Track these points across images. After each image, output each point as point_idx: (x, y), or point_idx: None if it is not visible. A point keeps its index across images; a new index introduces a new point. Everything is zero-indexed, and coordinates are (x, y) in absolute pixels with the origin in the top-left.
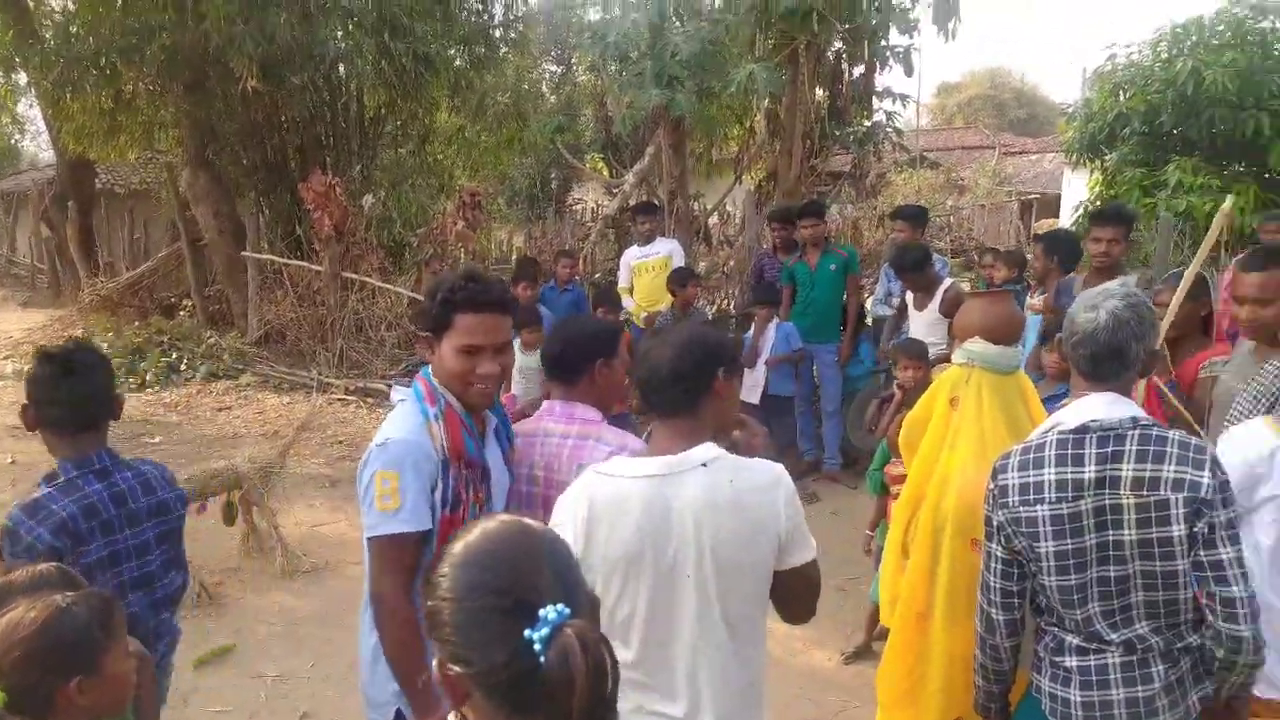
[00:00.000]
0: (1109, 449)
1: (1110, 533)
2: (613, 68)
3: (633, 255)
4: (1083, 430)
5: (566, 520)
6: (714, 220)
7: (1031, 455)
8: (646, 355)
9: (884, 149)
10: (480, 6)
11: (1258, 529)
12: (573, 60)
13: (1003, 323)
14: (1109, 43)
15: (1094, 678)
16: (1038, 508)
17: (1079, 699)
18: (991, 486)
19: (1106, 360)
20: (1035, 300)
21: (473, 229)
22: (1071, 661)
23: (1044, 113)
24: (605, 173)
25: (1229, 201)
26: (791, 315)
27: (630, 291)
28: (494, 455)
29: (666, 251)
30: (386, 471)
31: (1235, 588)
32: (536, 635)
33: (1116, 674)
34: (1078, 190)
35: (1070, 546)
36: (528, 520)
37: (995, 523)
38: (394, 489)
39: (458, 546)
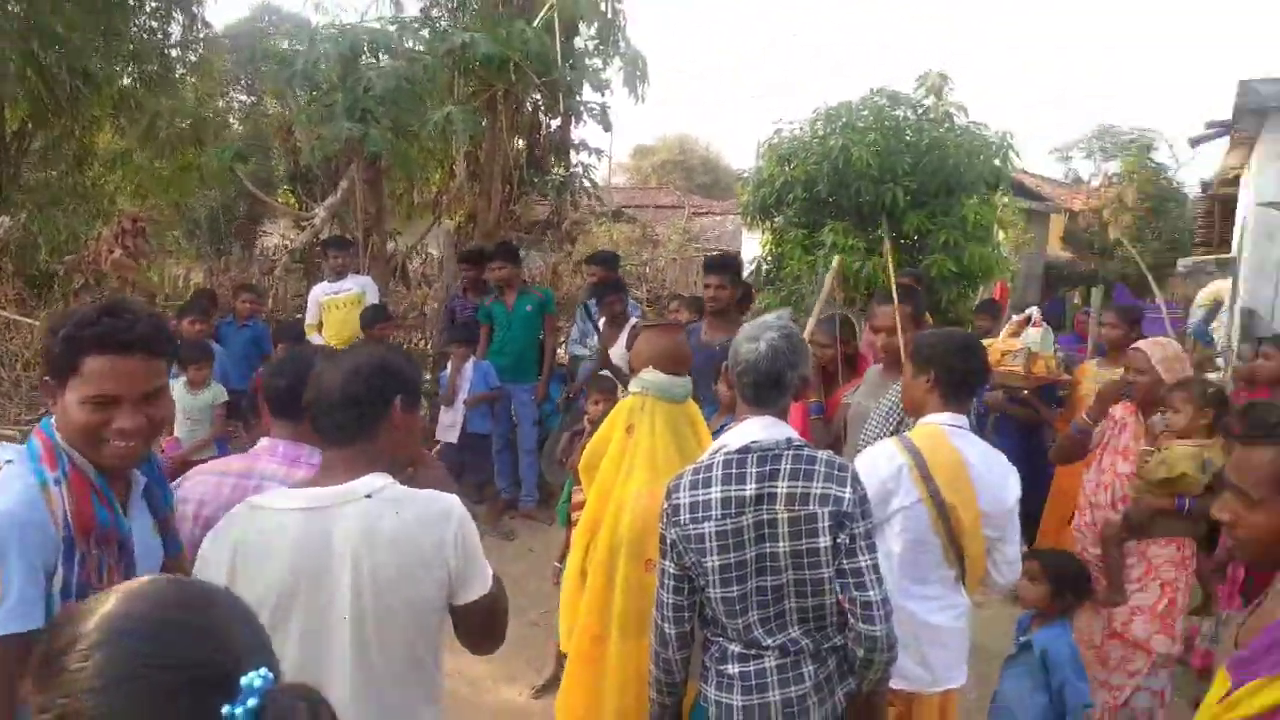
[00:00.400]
0: (767, 468)
1: (767, 545)
2: (301, 97)
3: (322, 291)
4: (745, 451)
5: (211, 558)
6: (415, 262)
7: (700, 475)
8: (319, 376)
9: (580, 199)
10: (154, 24)
11: (889, 538)
12: (262, 91)
13: (672, 353)
14: (776, 118)
15: (754, 682)
16: (705, 524)
17: (740, 703)
18: (665, 506)
19: (766, 387)
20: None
21: (134, 258)
22: (734, 668)
23: (725, 179)
24: (295, 207)
25: (836, 261)
26: (489, 354)
27: (319, 328)
28: (140, 524)
29: (359, 288)
30: None
31: (872, 592)
32: (239, 711)
33: (773, 676)
34: (752, 248)
35: (733, 559)
36: (179, 577)
37: (669, 540)
38: None
39: (92, 622)
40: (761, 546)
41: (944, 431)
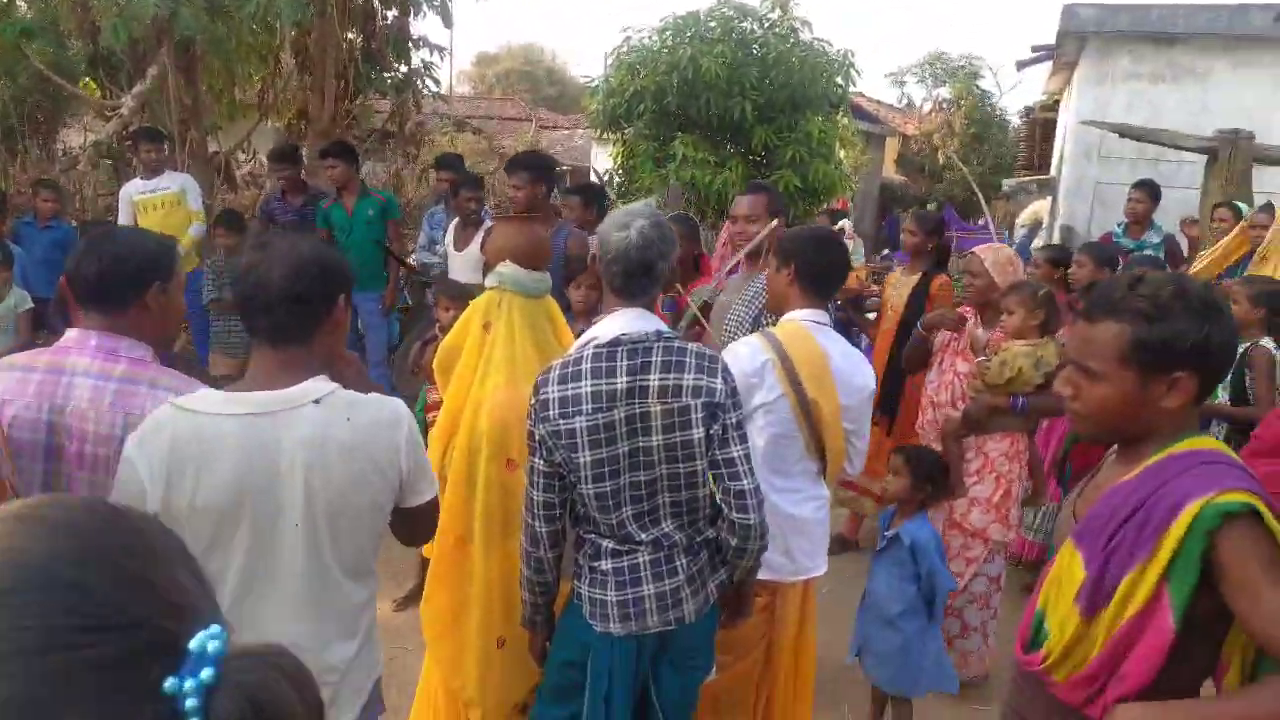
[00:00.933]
0: (638, 360)
1: (640, 439)
2: None
3: (135, 189)
4: (615, 344)
5: (141, 462)
6: (243, 163)
7: (570, 369)
8: (251, 270)
9: (423, 98)
10: None
11: (752, 433)
12: None
13: (531, 247)
14: (624, 26)
15: (627, 577)
16: (576, 419)
17: (615, 599)
18: (533, 402)
19: (637, 275)
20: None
21: None
22: (607, 565)
23: (573, 91)
24: (99, 96)
25: (775, 222)
26: None
27: None
28: None
29: (178, 186)
30: None
31: (745, 481)
32: (189, 684)
33: (646, 571)
34: (603, 162)
35: (605, 455)
36: (92, 498)
37: (538, 437)
38: None
39: None
40: (634, 441)
41: (806, 328)
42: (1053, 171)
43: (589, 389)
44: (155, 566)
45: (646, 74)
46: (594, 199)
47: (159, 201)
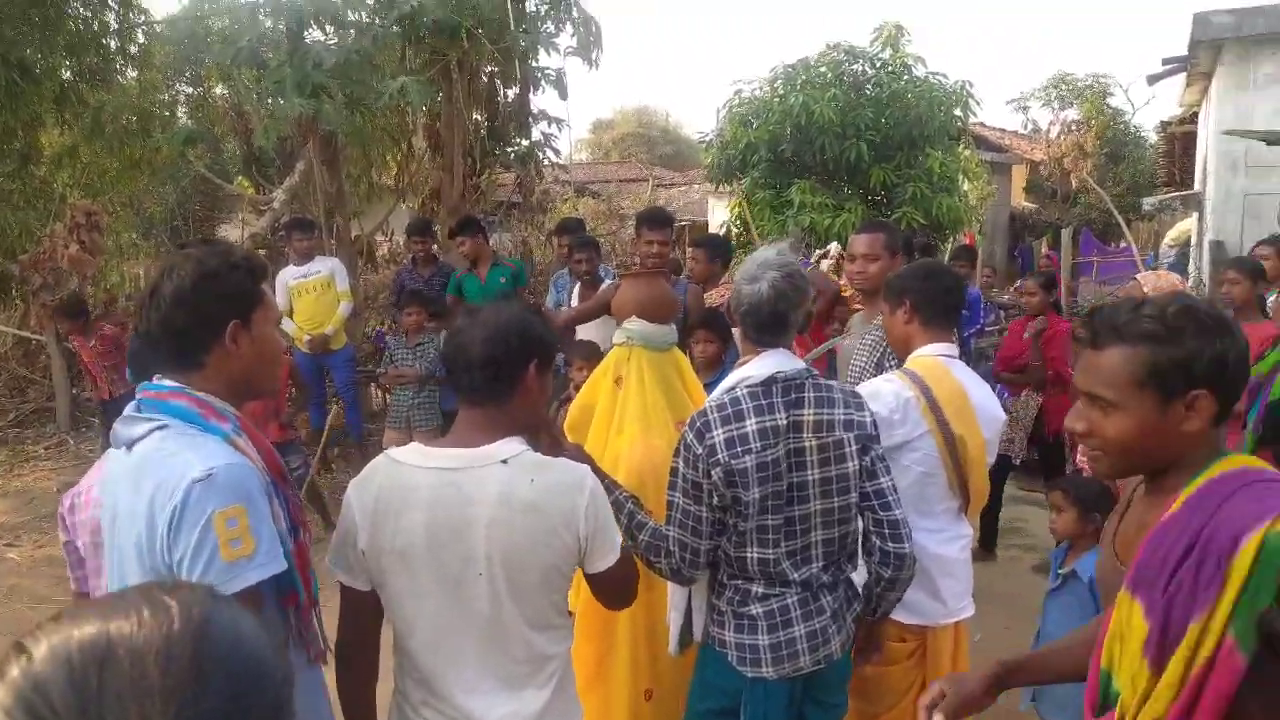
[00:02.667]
0: (793, 396)
1: (796, 475)
2: (247, 77)
3: (290, 275)
4: (770, 382)
5: (355, 504)
6: (381, 244)
7: (730, 410)
8: (458, 333)
9: (545, 168)
10: (88, 14)
11: (894, 473)
12: (208, 80)
13: (656, 301)
14: (734, 79)
15: (778, 619)
16: (746, 458)
17: (766, 642)
18: (698, 450)
19: (771, 328)
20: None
21: (91, 253)
22: (756, 609)
23: (687, 149)
24: (252, 192)
25: (834, 247)
26: None
27: (290, 314)
28: None
29: (327, 271)
30: (229, 509)
31: (896, 511)
32: None
33: (796, 611)
34: (720, 214)
35: (770, 490)
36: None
37: (706, 486)
38: (244, 529)
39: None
40: (791, 476)
41: (942, 362)
42: (1196, 186)
43: (754, 427)
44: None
45: (760, 125)
46: (719, 251)
47: (312, 285)
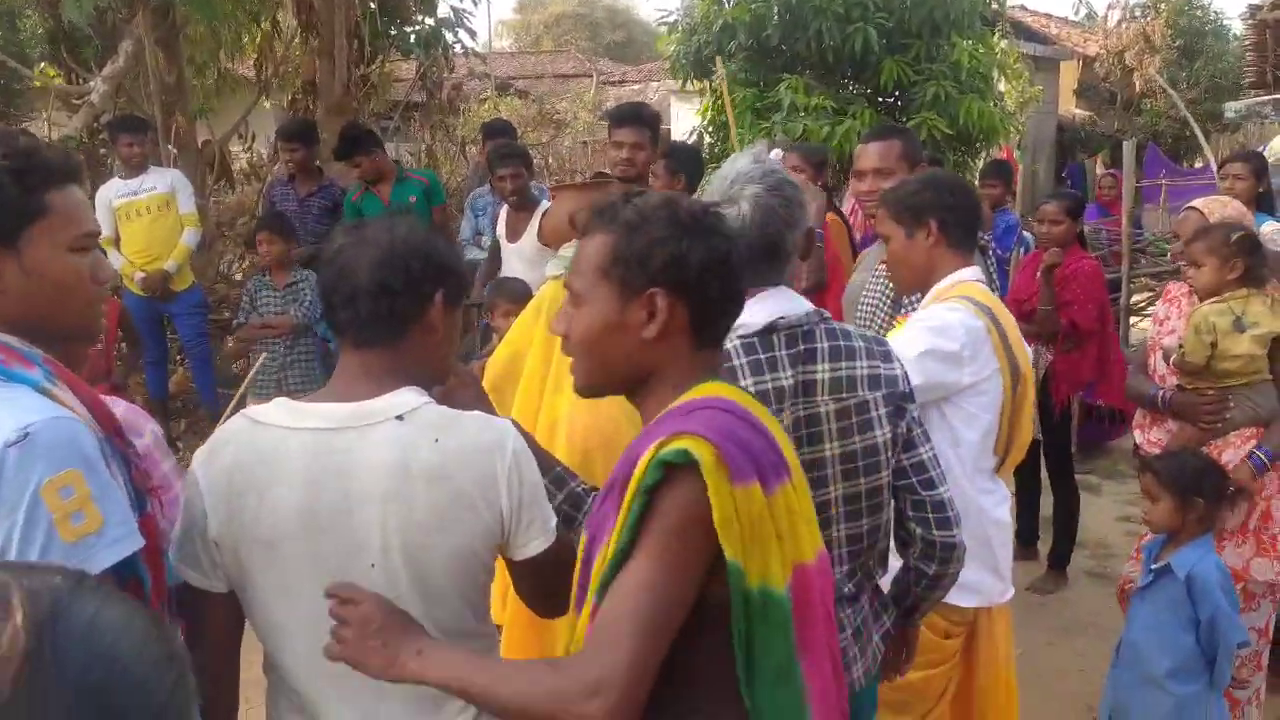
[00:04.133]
0: (800, 348)
1: (809, 449)
2: None
3: (115, 192)
4: (769, 330)
5: (203, 487)
6: (240, 151)
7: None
8: (339, 254)
9: (456, 57)
10: None
11: (956, 421)
12: None
13: None
14: None
15: None
16: None
17: None
18: None
19: (763, 260)
20: None
21: None
22: None
23: (641, 36)
24: (60, 81)
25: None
26: None
27: (115, 243)
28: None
29: (166, 185)
30: (60, 476)
31: (942, 490)
32: None
33: None
34: (687, 119)
35: None
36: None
37: None
38: (84, 498)
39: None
40: (803, 452)
41: (986, 289)
42: None
43: (752, 389)
44: None
45: (737, 3)
46: (685, 163)
47: (145, 205)
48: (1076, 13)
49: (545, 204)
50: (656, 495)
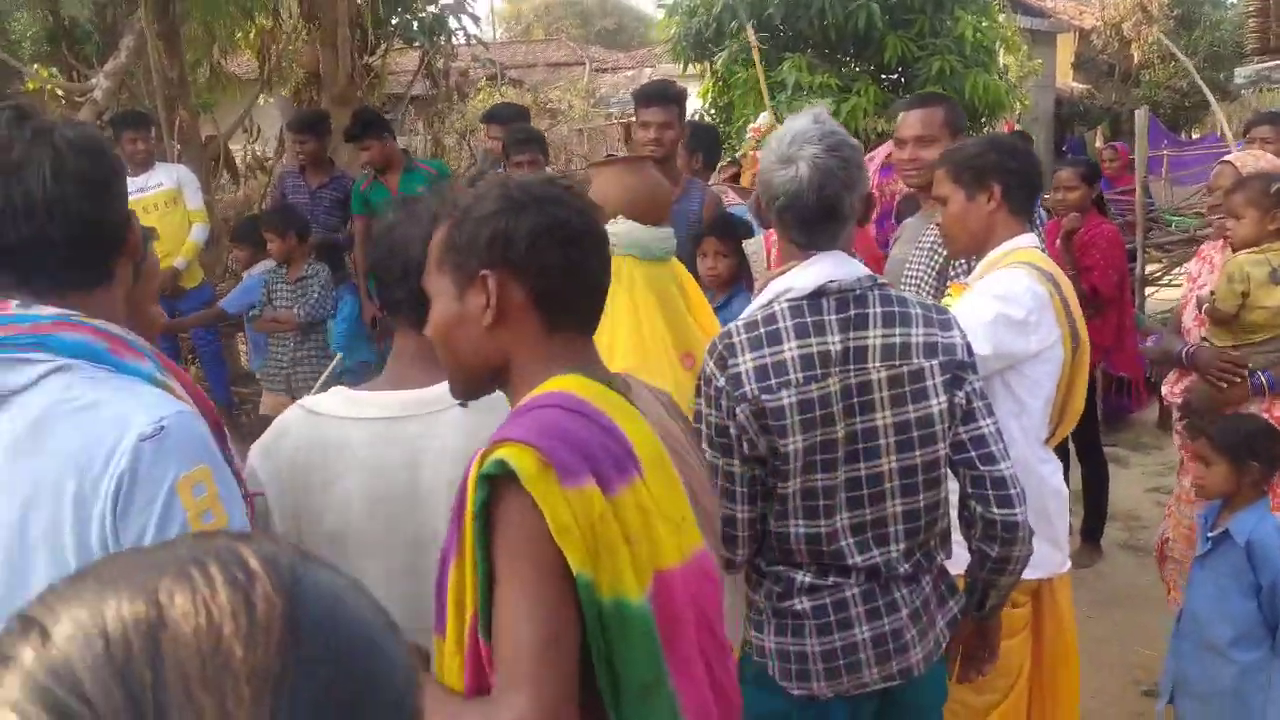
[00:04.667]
0: (851, 313)
1: (861, 419)
2: None
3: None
4: (819, 294)
5: (262, 477)
6: (242, 145)
7: (764, 330)
8: (389, 233)
9: (458, 43)
10: None
11: (1020, 391)
12: None
13: (648, 195)
14: None
15: (832, 617)
16: (783, 393)
17: (817, 648)
18: (720, 381)
19: (820, 222)
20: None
21: None
22: (804, 604)
23: (632, 24)
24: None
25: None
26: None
27: None
28: None
29: (173, 182)
30: (193, 472)
31: (1002, 465)
32: None
33: (858, 607)
34: (687, 104)
35: (819, 439)
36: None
37: (733, 431)
38: (213, 497)
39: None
40: (853, 421)
41: (1044, 255)
42: None
43: (796, 352)
44: None
45: None
46: (701, 142)
47: (152, 202)
48: None
49: None
50: (492, 514)
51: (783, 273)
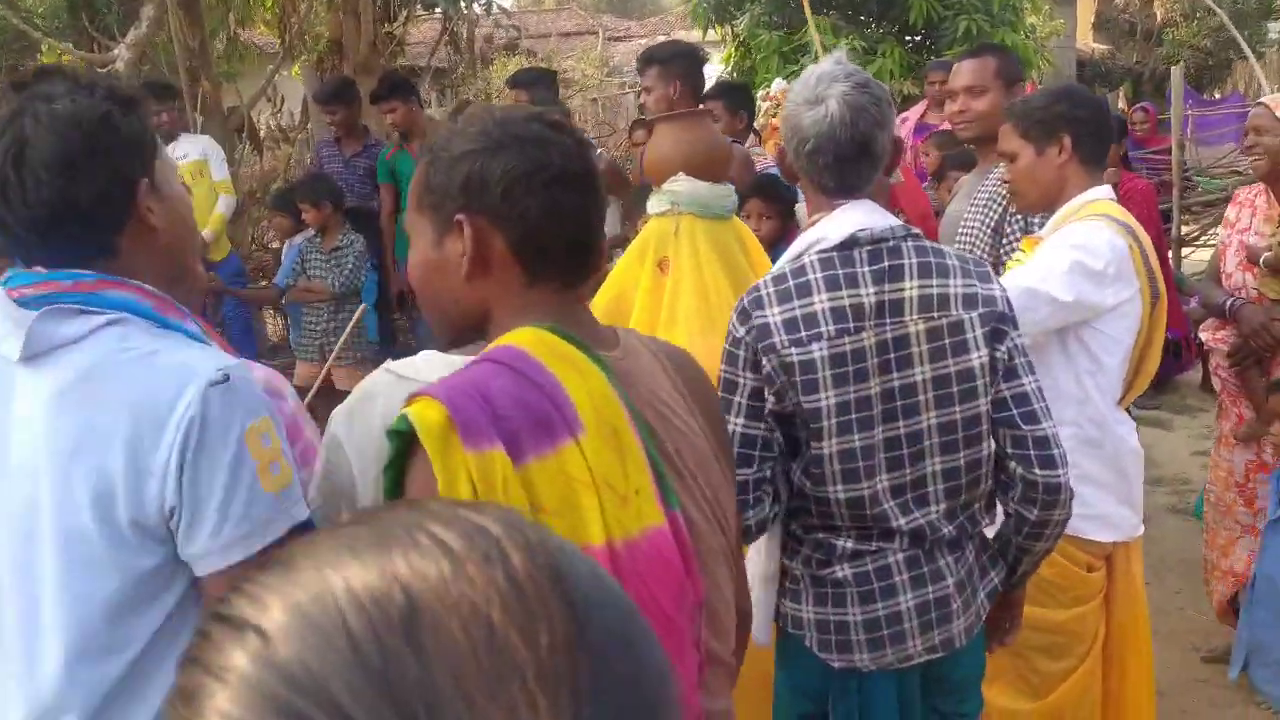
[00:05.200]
0: (884, 264)
1: (897, 374)
2: None
3: None
4: (850, 244)
5: (350, 445)
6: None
7: (793, 283)
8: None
9: (479, 12)
10: None
11: (1096, 347)
12: None
13: (707, 150)
14: None
15: (875, 585)
16: (814, 346)
17: (859, 617)
18: (742, 332)
19: (854, 161)
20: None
21: None
22: (844, 570)
23: None
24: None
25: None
26: (400, 224)
27: None
28: None
29: (199, 153)
30: (259, 422)
31: (1045, 424)
32: None
33: (902, 574)
34: (709, 69)
35: (853, 396)
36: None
37: (752, 385)
38: (277, 449)
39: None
40: (889, 377)
41: (1121, 207)
42: None
43: (826, 304)
44: None
45: None
46: (742, 102)
47: (180, 174)
48: None
49: (598, 153)
50: (404, 473)
51: (811, 224)
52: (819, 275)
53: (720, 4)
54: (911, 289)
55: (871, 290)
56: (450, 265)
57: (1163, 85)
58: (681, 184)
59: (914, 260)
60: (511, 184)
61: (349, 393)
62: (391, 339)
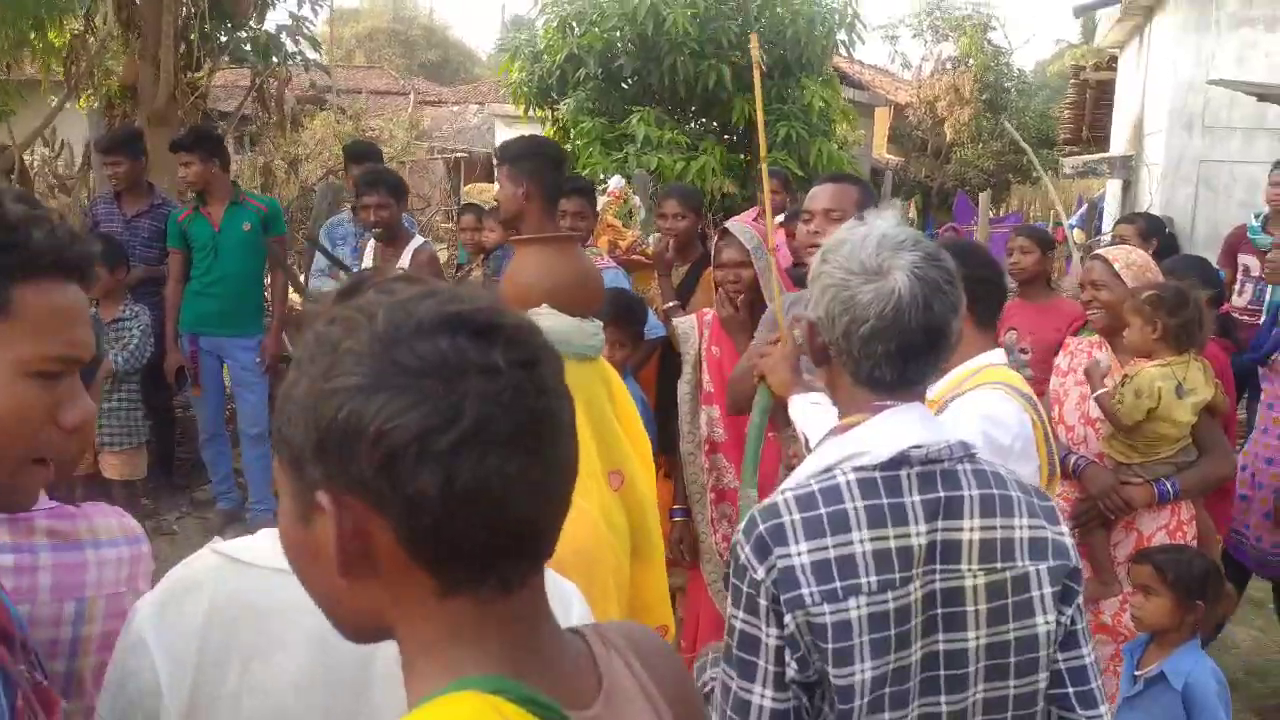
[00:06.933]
0: (939, 494)
1: (942, 638)
2: None
3: None
4: (899, 463)
5: (155, 649)
6: (41, 159)
7: (825, 510)
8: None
9: (296, 66)
10: None
11: None
12: None
13: (575, 280)
14: None
15: None
16: (850, 602)
17: None
18: (761, 574)
19: (921, 352)
20: None
21: None
22: None
23: (456, 58)
24: None
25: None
26: (187, 295)
27: None
28: None
29: None
30: None
31: (1101, 709)
32: None
33: None
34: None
35: (892, 667)
36: None
37: (774, 644)
38: None
39: None
40: (932, 639)
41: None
42: (1116, 147)
43: (869, 545)
44: None
45: (586, 31)
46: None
47: None
48: (893, 61)
49: (418, 240)
50: None
51: (844, 427)
52: (859, 504)
53: (544, 89)
54: (972, 531)
55: (924, 529)
56: (322, 554)
57: (948, 199)
58: (545, 319)
59: (974, 491)
60: (395, 450)
61: (120, 483)
62: (170, 422)
